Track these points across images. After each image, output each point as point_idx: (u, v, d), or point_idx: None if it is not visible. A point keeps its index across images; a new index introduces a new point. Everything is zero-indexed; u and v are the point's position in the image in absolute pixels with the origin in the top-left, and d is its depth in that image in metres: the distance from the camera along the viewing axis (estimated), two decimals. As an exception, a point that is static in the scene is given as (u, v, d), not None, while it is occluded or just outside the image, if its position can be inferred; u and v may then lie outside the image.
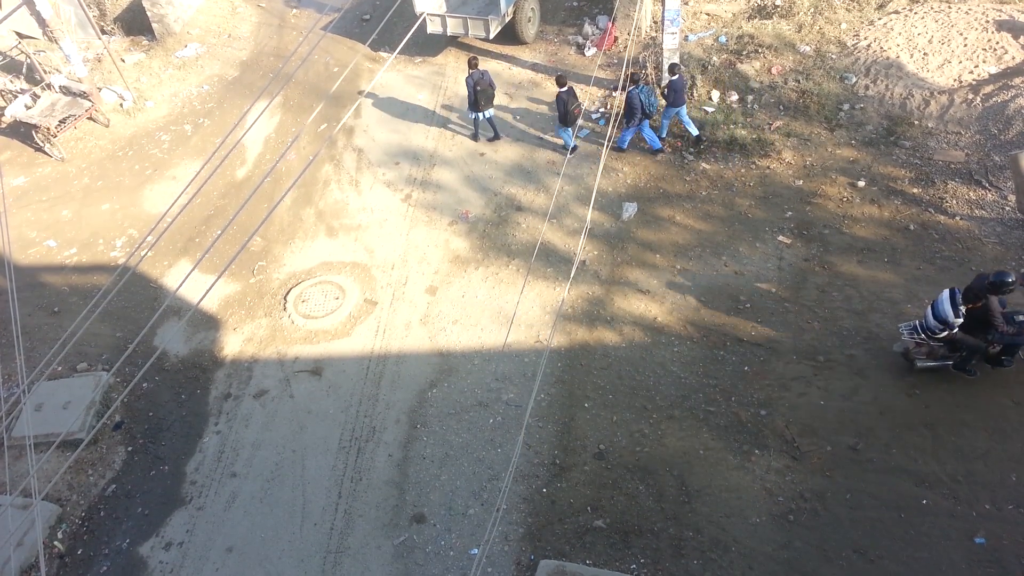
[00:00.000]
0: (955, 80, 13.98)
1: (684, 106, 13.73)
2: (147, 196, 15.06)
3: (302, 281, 12.90)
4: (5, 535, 8.86)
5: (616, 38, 16.60)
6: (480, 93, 13.96)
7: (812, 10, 16.04)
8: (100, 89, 17.00)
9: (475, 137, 14.99)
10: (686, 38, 15.81)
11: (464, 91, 14.94)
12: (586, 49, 16.65)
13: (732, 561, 8.82)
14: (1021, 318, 9.38)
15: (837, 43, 15.33)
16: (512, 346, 11.28)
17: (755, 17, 16.34)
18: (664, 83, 14.00)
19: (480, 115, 14.45)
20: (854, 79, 14.54)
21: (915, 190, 12.65)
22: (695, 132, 13.91)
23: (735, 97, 14.67)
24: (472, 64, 13.97)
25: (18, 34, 17.21)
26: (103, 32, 18.24)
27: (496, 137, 14.84)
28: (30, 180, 15.80)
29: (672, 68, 13.50)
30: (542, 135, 14.87)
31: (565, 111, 13.46)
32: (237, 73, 17.91)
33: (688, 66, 14.96)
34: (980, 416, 9.65)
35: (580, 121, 14.90)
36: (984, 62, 14.01)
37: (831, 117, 14.07)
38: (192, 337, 12.31)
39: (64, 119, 15.81)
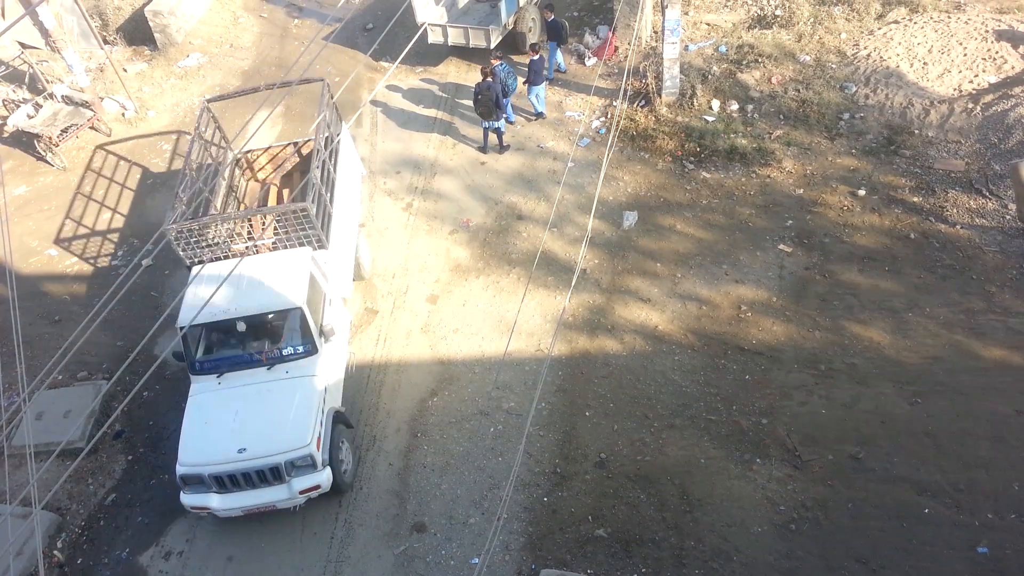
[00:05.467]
0: (955, 89, 14.02)
1: (540, 85, 14.96)
2: (148, 205, 15.08)
3: (303, 290, 12.89)
4: (5, 544, 8.83)
5: (616, 48, 16.66)
6: (478, 103, 13.95)
7: (812, 20, 16.10)
8: (102, 99, 17.06)
9: (482, 149, 14.96)
10: (686, 48, 15.87)
11: (466, 100, 14.96)
12: (586, 59, 16.71)
13: (734, 571, 8.78)
14: None
15: (837, 53, 15.38)
16: (513, 355, 11.26)
17: (755, 27, 16.40)
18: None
19: (487, 125, 14.43)
20: (854, 88, 14.58)
21: (915, 199, 12.67)
22: (539, 110, 15.40)
23: (735, 106, 14.71)
24: (484, 73, 13.93)
25: (21, 44, 17.27)
26: (105, 42, 18.29)
27: (502, 149, 14.80)
28: (32, 189, 15.83)
29: (532, 47, 14.90)
30: (543, 144, 14.91)
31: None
32: (239, 83, 17.96)
33: (688, 76, 15.01)
34: (982, 425, 9.63)
35: (580, 130, 14.95)
36: (984, 71, 14.05)
37: (831, 126, 14.10)
38: (193, 346, 12.29)
39: (66, 128, 15.85)
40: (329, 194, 11.24)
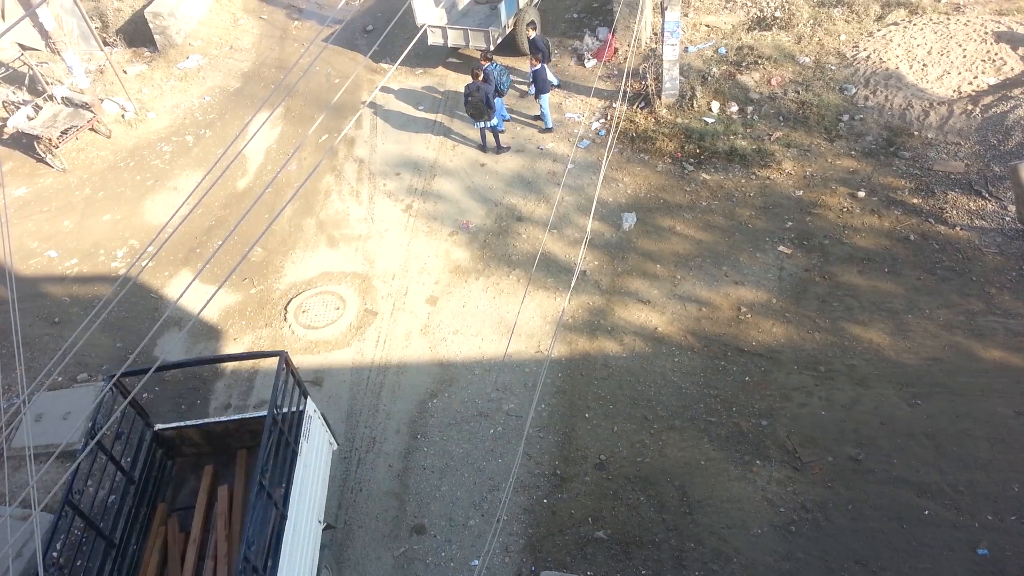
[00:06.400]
0: (954, 91, 14.03)
1: (547, 94, 14.82)
2: (148, 207, 15.09)
3: (303, 291, 12.90)
4: (4, 546, 8.82)
5: (616, 49, 16.66)
6: (469, 104, 13.96)
7: (811, 22, 16.11)
8: (102, 100, 17.07)
9: (482, 148, 15.00)
10: (686, 49, 15.87)
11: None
12: (586, 60, 16.72)
13: (734, 572, 8.78)
14: None
15: (836, 54, 15.38)
16: (513, 356, 11.27)
17: (754, 29, 16.40)
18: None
19: (480, 125, 14.46)
20: (854, 90, 14.58)
21: (915, 200, 12.67)
22: (547, 124, 15.18)
23: (735, 108, 14.72)
24: (475, 75, 13.96)
25: (21, 46, 17.28)
26: (105, 44, 18.31)
27: (500, 149, 14.83)
28: (31, 191, 15.83)
29: (533, 55, 14.66)
30: (542, 145, 14.91)
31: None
32: (239, 84, 17.98)
33: (688, 77, 15.01)
34: (981, 426, 9.63)
35: (580, 131, 14.95)
36: (983, 73, 14.06)
37: (831, 128, 14.10)
38: (192, 348, 12.30)
39: (66, 130, 15.86)
40: (275, 537, 7.54)
